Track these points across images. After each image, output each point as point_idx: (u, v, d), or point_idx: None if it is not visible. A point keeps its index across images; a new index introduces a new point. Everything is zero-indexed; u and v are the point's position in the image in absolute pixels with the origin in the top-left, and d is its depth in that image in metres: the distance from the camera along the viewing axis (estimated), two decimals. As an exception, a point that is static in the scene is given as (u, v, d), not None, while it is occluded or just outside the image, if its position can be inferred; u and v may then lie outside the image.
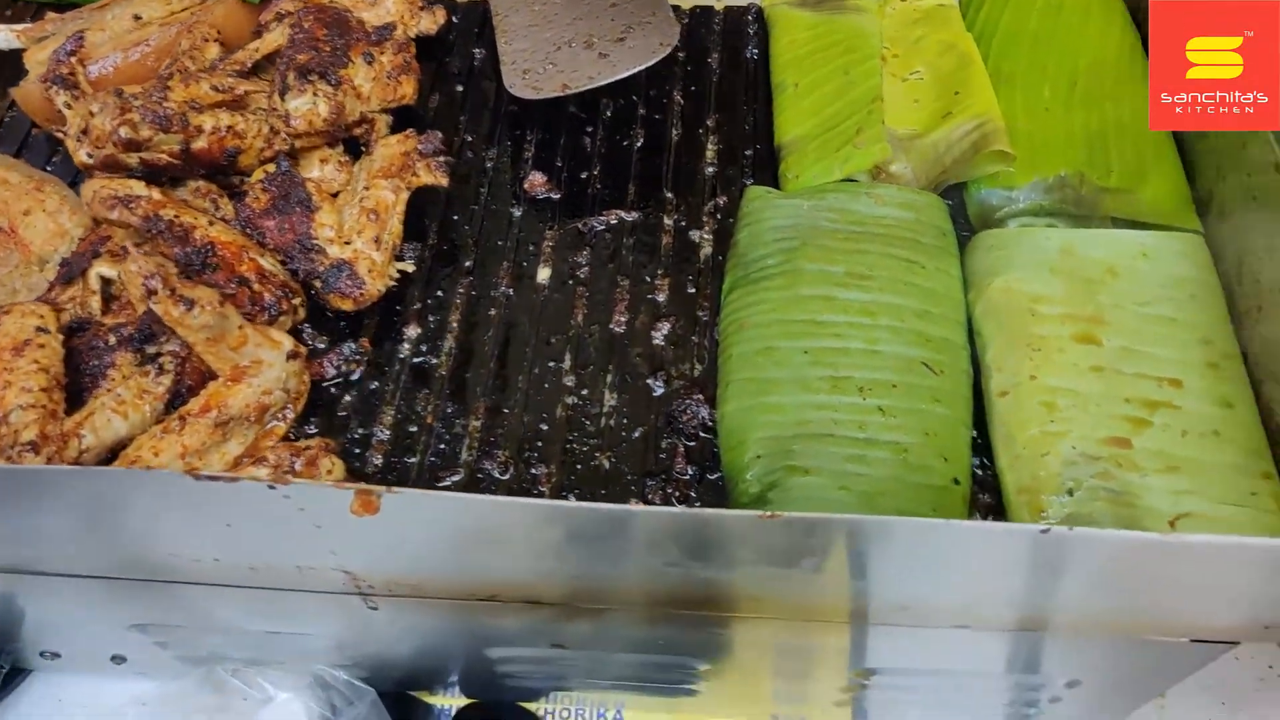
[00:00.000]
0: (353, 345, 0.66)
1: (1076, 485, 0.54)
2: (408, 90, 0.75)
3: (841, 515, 0.43)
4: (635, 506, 0.46)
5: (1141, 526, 0.52)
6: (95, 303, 0.63)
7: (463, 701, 0.76)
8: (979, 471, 0.59)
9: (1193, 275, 0.62)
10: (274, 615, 0.63)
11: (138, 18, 0.78)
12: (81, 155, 0.65)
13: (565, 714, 0.75)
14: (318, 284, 0.66)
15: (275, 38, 0.73)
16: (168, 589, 0.59)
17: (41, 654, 0.72)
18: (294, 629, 0.65)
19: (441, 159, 0.70)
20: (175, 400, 0.60)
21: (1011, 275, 0.62)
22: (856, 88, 0.69)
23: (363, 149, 0.73)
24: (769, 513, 0.45)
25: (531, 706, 0.76)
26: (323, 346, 0.67)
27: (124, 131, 0.62)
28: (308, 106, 0.68)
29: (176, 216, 0.63)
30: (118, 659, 0.73)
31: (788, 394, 0.58)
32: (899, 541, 0.45)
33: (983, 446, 0.59)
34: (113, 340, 0.61)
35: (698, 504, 0.59)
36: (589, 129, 0.77)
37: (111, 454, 0.58)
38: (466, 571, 0.53)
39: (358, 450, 0.62)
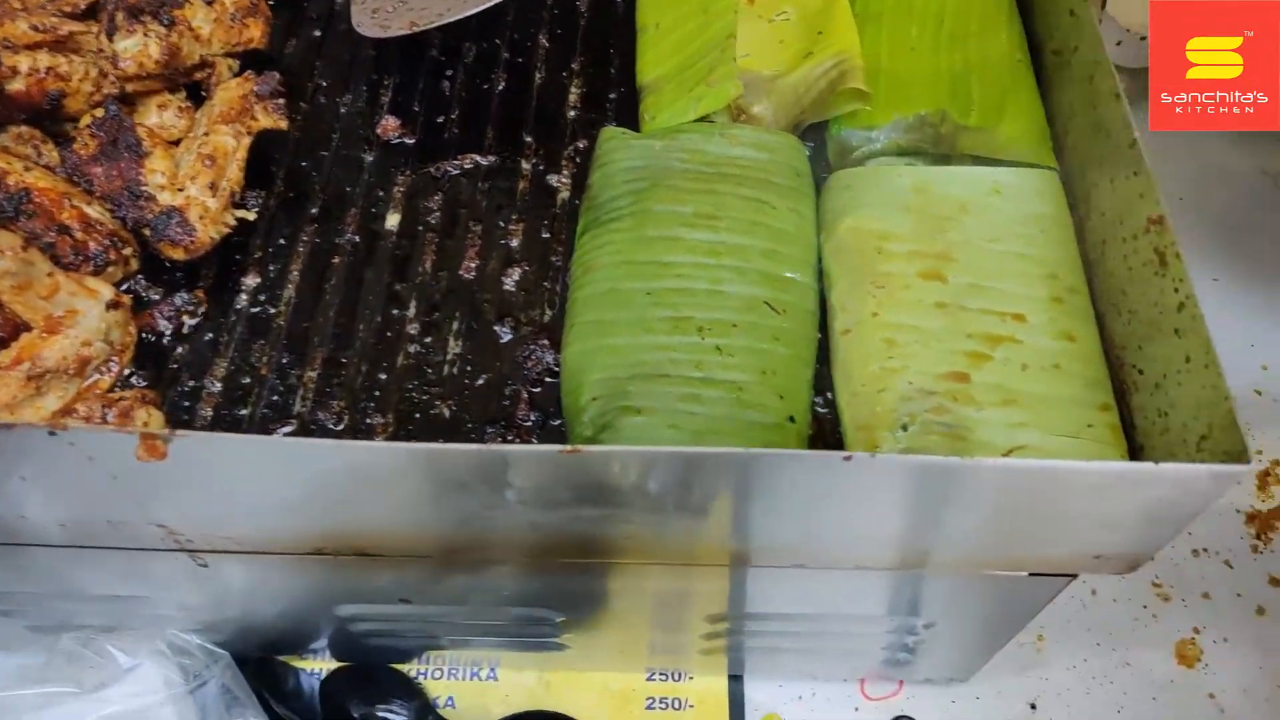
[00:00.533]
0: (186, 296, 0.63)
1: (911, 420, 0.53)
2: (255, 33, 0.71)
3: (631, 448, 0.42)
4: (428, 444, 0.44)
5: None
6: (-94, 253, 0.60)
7: (333, 665, 0.74)
8: (824, 411, 0.58)
9: (1045, 211, 0.61)
10: (106, 577, 0.60)
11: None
12: (-112, 97, 0.61)
13: (438, 674, 0.74)
14: (147, 232, 0.63)
15: (109, -25, 0.69)
16: (-10, 552, 0.56)
17: None
18: (133, 592, 0.63)
19: (280, 101, 0.67)
20: (-13, 353, 0.57)
21: (862, 214, 0.60)
22: (713, 26, 0.67)
23: (203, 94, 0.70)
24: (569, 448, 0.43)
25: (404, 668, 0.74)
26: (157, 298, 0.64)
27: (-76, 70, 0.58)
28: (137, 48, 0.65)
29: (-14, 160, 0.59)
30: (-36, 631, 0.70)
31: (627, 335, 0.56)
32: (699, 473, 0.43)
33: (829, 386, 0.58)
34: (-84, 289, 0.57)
35: (538, 451, 0.57)
36: (449, 73, 0.74)
37: (-88, 409, 0.55)
38: (284, 521, 0.51)
39: (187, 404, 0.60)
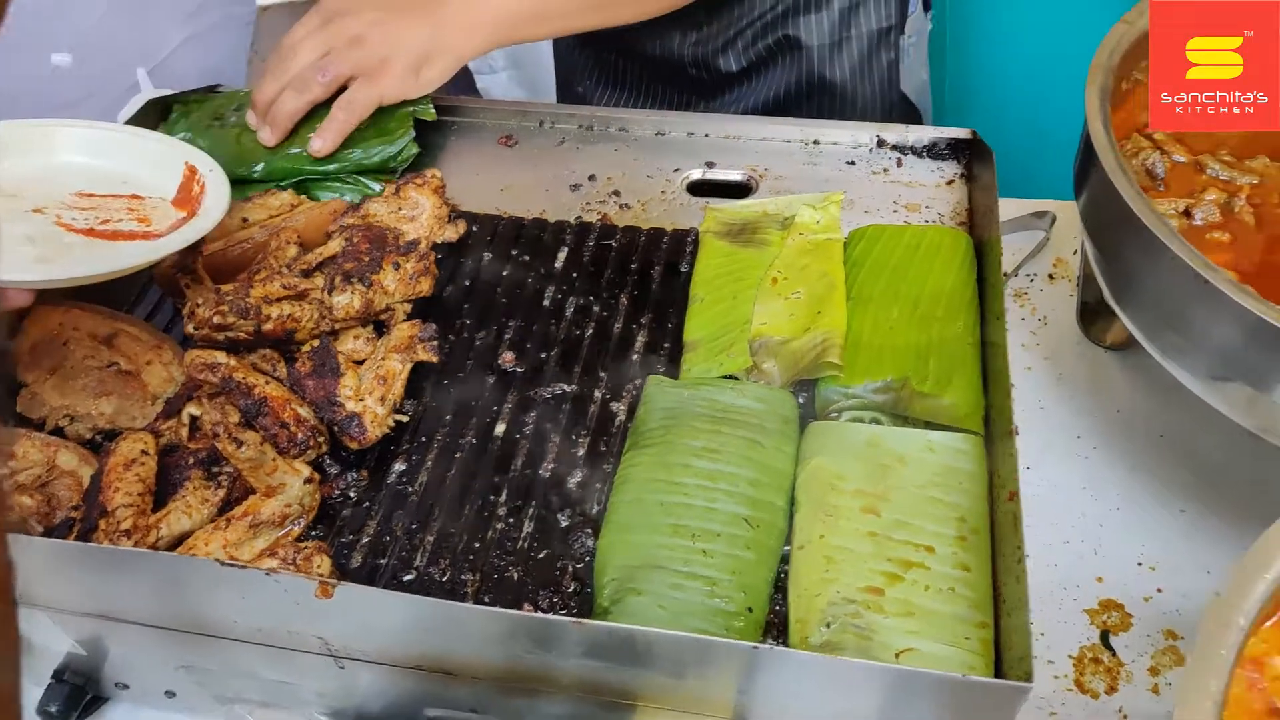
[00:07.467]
0: (354, 474, 0.92)
1: (834, 620, 0.73)
2: (424, 287, 1.02)
3: (602, 624, 0.64)
4: (482, 607, 0.68)
5: (872, 655, 0.71)
6: (184, 433, 0.92)
7: (421, 757, 0.97)
8: (779, 608, 0.78)
9: (964, 468, 0.81)
10: (277, 667, 0.87)
11: (245, 220, 1.10)
12: (189, 329, 0.94)
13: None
14: (335, 428, 0.92)
15: (333, 246, 1.02)
16: (206, 640, 0.84)
17: (115, 684, 0.98)
18: (291, 679, 0.89)
19: (434, 342, 0.96)
20: (226, 506, 0.87)
21: (825, 458, 0.82)
22: (738, 310, 0.93)
23: (384, 329, 1.01)
24: (575, 619, 0.67)
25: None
26: (335, 472, 0.93)
27: (217, 319, 0.91)
28: (346, 301, 0.97)
29: (244, 378, 0.91)
30: (169, 694, 0.98)
31: (642, 534, 0.80)
32: (657, 648, 0.66)
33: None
34: (190, 461, 0.88)
35: (575, 611, 0.80)
36: (553, 320, 1.03)
37: (178, 541, 0.84)
38: (396, 643, 0.77)
39: (346, 552, 0.87)
